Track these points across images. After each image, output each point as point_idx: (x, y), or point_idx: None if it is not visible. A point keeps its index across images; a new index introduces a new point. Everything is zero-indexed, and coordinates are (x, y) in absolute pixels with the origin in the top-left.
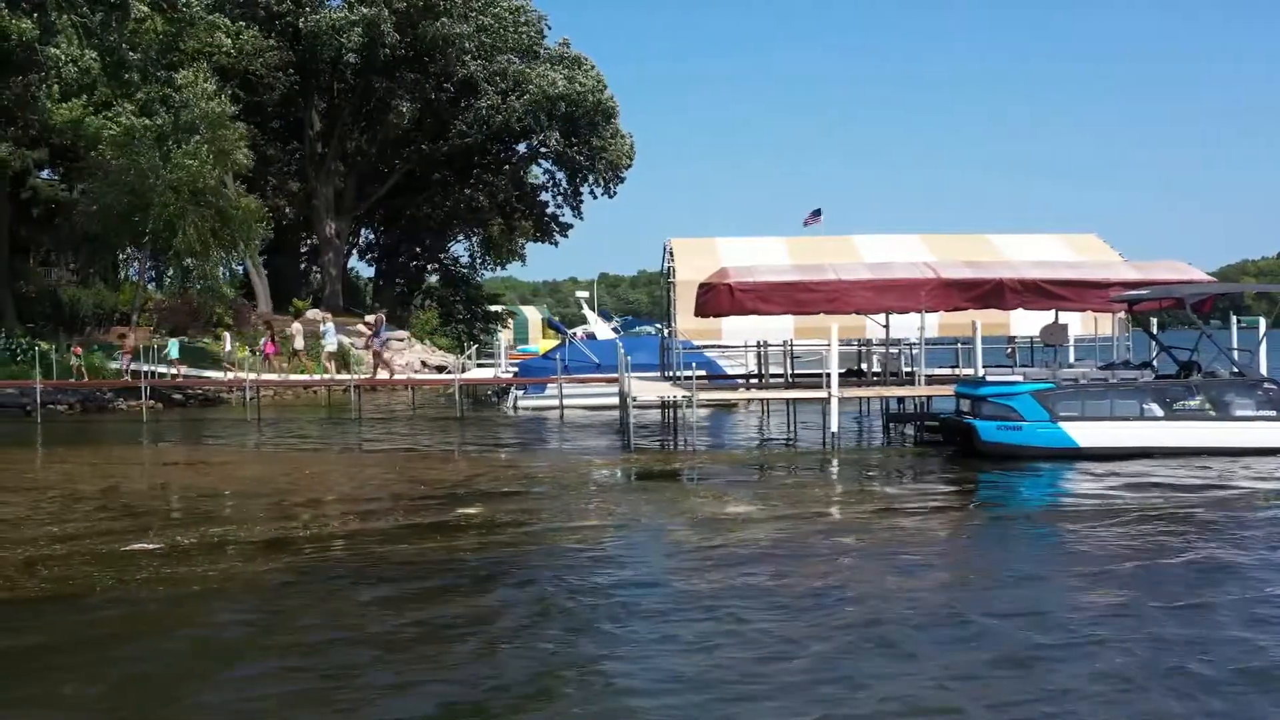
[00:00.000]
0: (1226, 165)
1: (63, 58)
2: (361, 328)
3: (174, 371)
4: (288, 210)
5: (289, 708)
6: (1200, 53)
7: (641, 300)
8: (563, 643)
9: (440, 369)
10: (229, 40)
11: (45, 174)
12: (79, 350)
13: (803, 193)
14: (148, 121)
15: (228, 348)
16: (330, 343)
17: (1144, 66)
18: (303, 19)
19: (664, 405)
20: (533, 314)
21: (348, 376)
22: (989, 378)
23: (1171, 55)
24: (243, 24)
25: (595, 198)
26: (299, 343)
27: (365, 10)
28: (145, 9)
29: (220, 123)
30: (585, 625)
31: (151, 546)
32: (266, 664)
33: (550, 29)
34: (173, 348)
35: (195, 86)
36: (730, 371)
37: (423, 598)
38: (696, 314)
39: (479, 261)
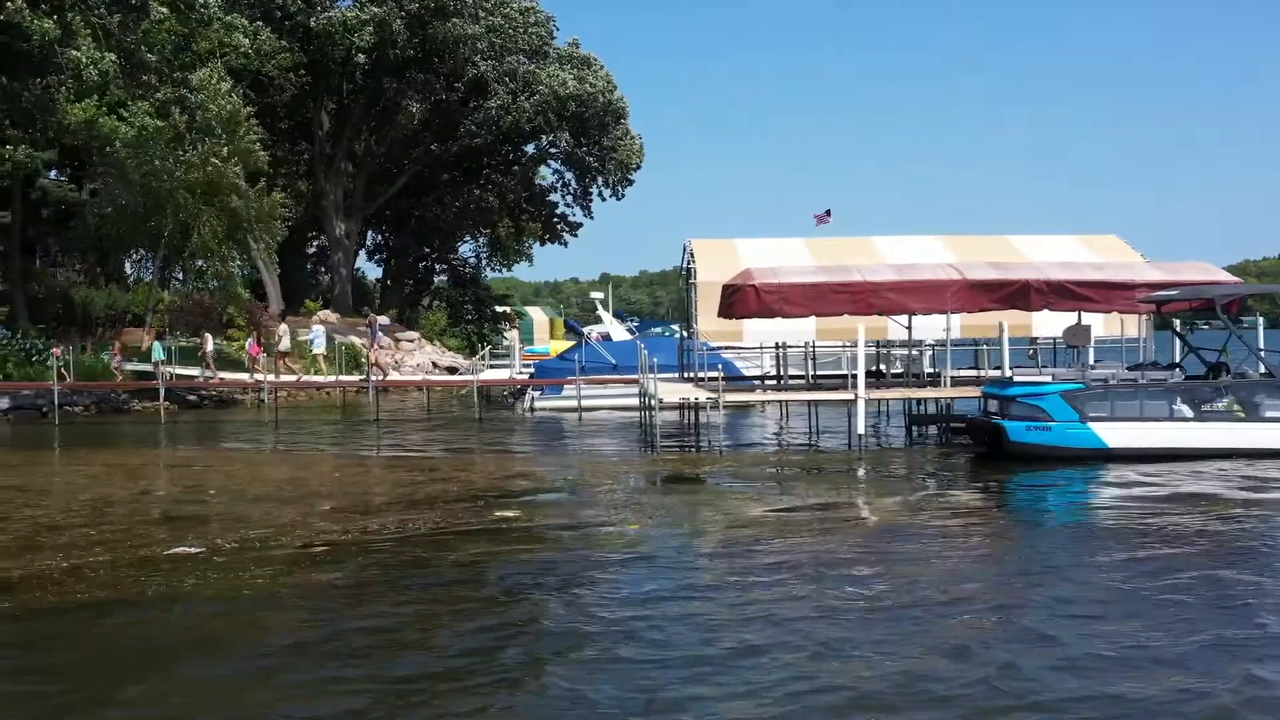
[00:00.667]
0: (1227, 165)
1: (83, 60)
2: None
3: (159, 372)
4: (296, 211)
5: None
6: (1201, 52)
7: (643, 300)
8: (572, 640)
9: (451, 370)
10: (246, 40)
11: (53, 175)
12: (58, 351)
13: (808, 193)
14: (160, 123)
15: (208, 347)
16: (319, 345)
17: (1144, 66)
18: (314, 18)
19: (683, 406)
20: (538, 314)
21: (352, 377)
22: (1017, 378)
23: (1171, 55)
24: (259, 24)
25: (604, 199)
26: (285, 343)
27: (376, 10)
28: (164, 10)
29: (236, 120)
30: (615, 629)
31: (194, 550)
32: (323, 669)
33: (559, 29)
34: (156, 349)
35: (210, 87)
36: (746, 373)
37: (468, 601)
38: (721, 315)
39: (486, 262)
